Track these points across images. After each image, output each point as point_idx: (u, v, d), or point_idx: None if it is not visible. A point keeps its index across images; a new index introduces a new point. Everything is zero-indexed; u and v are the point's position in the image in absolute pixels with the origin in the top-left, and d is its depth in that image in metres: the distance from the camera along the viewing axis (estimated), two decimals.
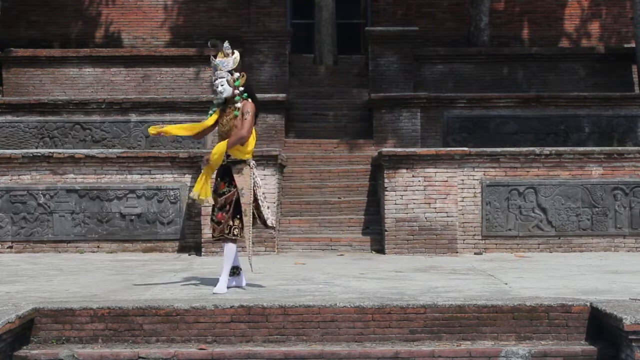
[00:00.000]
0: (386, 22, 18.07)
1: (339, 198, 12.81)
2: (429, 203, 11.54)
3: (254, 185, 7.80)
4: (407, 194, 11.58)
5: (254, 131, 7.86)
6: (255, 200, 7.80)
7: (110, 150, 12.45)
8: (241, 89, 7.87)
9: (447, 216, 11.52)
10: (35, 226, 11.79)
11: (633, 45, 16.62)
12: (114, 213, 11.84)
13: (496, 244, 11.84)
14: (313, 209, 12.60)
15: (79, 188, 11.84)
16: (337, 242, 11.87)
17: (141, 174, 11.91)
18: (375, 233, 12.01)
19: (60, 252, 11.72)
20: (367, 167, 13.42)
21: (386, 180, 11.66)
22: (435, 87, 16.69)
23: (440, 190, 11.55)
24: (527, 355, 6.48)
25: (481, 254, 11.64)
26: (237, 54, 7.98)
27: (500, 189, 11.86)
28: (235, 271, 8.05)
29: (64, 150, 12.19)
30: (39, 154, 11.89)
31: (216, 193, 7.84)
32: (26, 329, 6.60)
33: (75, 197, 11.82)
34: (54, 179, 11.85)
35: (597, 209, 11.90)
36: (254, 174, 7.80)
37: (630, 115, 15.10)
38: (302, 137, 14.85)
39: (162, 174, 11.92)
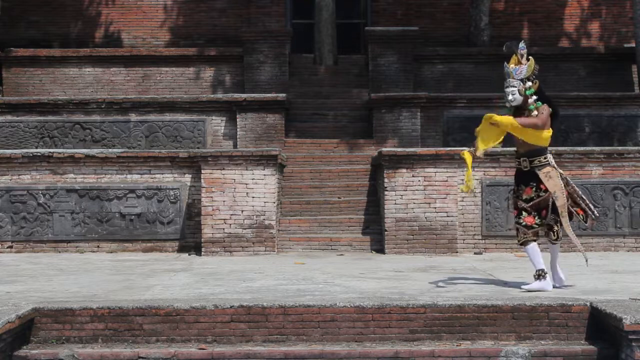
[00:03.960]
0: (386, 22, 18.06)
1: (339, 198, 12.81)
2: (429, 203, 11.54)
3: (566, 185, 7.75)
4: (407, 193, 11.58)
5: (549, 132, 7.80)
6: (571, 197, 7.77)
7: (110, 150, 12.45)
8: (534, 97, 7.80)
9: (447, 216, 11.52)
10: (35, 226, 11.79)
11: (633, 45, 16.61)
12: (113, 213, 11.84)
13: (496, 244, 11.84)
14: (313, 208, 12.60)
15: (79, 188, 11.84)
16: (337, 242, 11.87)
17: (141, 174, 11.91)
18: (375, 233, 12.01)
19: (60, 252, 11.71)
20: (367, 167, 13.42)
21: (386, 180, 11.66)
22: (435, 87, 16.68)
23: (440, 190, 11.55)
24: (527, 355, 6.48)
25: (481, 253, 11.64)
26: (531, 60, 7.91)
27: (500, 188, 11.85)
28: (541, 273, 7.83)
29: (64, 150, 12.19)
30: (39, 154, 11.89)
31: (520, 199, 7.78)
32: (26, 329, 6.60)
33: (75, 197, 11.82)
34: (54, 179, 11.85)
35: (597, 209, 11.86)
36: (561, 174, 7.74)
37: (630, 115, 15.10)
38: (302, 137, 14.85)
39: (162, 174, 11.92)
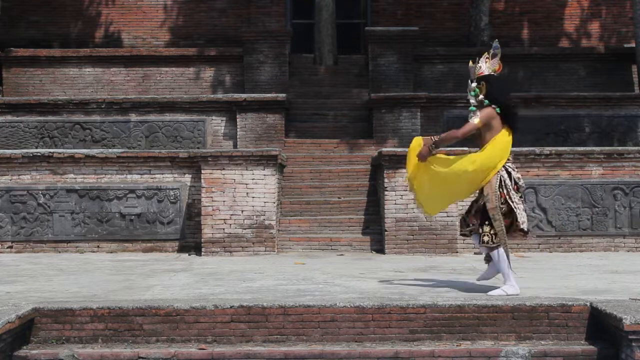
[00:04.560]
0: (386, 22, 18.07)
1: (339, 198, 12.81)
2: None
3: (503, 188, 7.44)
4: (407, 193, 11.55)
5: (501, 138, 7.51)
6: (506, 203, 7.45)
7: (110, 150, 12.44)
8: (480, 97, 7.67)
9: (447, 216, 11.51)
10: (35, 226, 11.79)
11: (633, 45, 16.62)
12: (114, 213, 11.84)
13: None
14: (313, 209, 12.60)
15: (79, 188, 11.84)
16: (337, 242, 11.87)
17: (141, 174, 11.91)
18: (375, 233, 12.01)
19: (60, 252, 11.72)
20: (367, 167, 13.42)
21: (386, 180, 11.66)
22: (435, 87, 16.69)
23: None
24: (527, 355, 6.48)
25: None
26: (484, 61, 7.78)
27: None
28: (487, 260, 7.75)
29: (64, 150, 12.19)
30: (39, 154, 11.89)
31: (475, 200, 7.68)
32: (26, 329, 6.60)
33: (75, 197, 11.82)
34: (54, 179, 11.85)
35: (597, 209, 11.90)
36: (502, 177, 7.43)
37: (630, 115, 15.10)
38: (302, 137, 14.86)
39: (162, 174, 11.92)
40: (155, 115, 14.64)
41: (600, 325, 6.63)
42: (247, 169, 11.59)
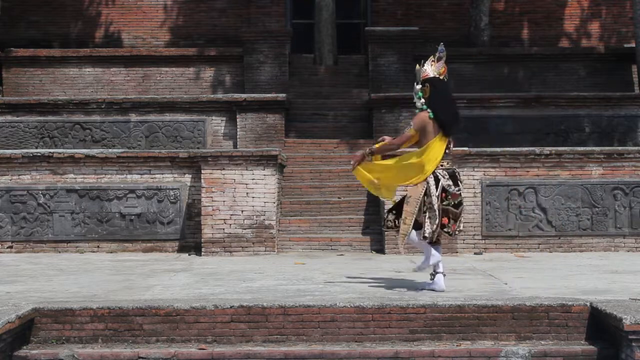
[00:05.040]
0: (386, 22, 18.07)
1: (339, 198, 12.81)
2: None
3: (425, 195, 7.61)
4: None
5: (434, 144, 7.64)
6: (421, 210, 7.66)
7: (110, 150, 12.45)
8: (422, 101, 7.80)
9: None
10: (35, 226, 11.79)
11: (633, 45, 16.61)
12: (113, 213, 11.84)
13: (496, 244, 11.84)
14: (313, 209, 12.60)
15: (79, 188, 11.84)
16: (337, 242, 11.87)
17: (141, 174, 11.91)
18: (375, 233, 12.01)
19: (60, 252, 11.71)
20: None
21: None
22: None
23: None
24: (527, 355, 6.48)
25: (481, 253, 11.64)
26: (429, 63, 7.89)
27: (500, 189, 11.86)
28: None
29: (64, 150, 12.19)
30: (39, 154, 11.89)
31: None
32: (26, 329, 6.60)
33: (75, 197, 11.82)
34: (54, 179, 11.85)
35: (597, 209, 11.90)
36: (428, 184, 7.59)
37: (630, 115, 15.10)
38: (302, 137, 14.85)
39: (162, 174, 11.91)
40: (155, 115, 14.65)
41: (600, 325, 6.63)
42: (247, 169, 11.59)
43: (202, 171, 11.60)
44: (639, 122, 15.08)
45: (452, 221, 7.80)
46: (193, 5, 18.54)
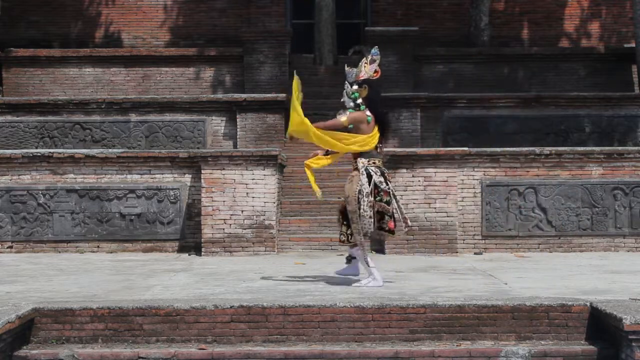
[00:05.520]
0: (386, 22, 18.08)
1: (339, 198, 12.78)
2: (429, 203, 11.54)
3: (359, 193, 7.86)
4: (407, 193, 11.58)
5: (364, 138, 7.95)
6: (380, 211, 7.95)
7: (110, 150, 12.45)
8: (359, 101, 8.02)
9: (447, 216, 11.52)
10: (35, 226, 11.79)
11: (633, 45, 16.62)
12: (114, 213, 11.84)
13: (496, 244, 11.84)
14: (313, 209, 12.60)
15: (79, 188, 11.84)
16: (337, 242, 11.81)
17: (141, 174, 11.90)
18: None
19: (60, 252, 11.71)
20: None
21: None
22: (435, 87, 16.69)
23: (440, 190, 11.54)
24: (527, 355, 6.48)
25: (481, 253, 11.64)
26: (369, 66, 8.06)
27: (500, 188, 11.85)
28: (349, 260, 8.34)
29: (64, 150, 12.19)
30: (39, 154, 11.88)
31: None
32: (26, 329, 6.60)
33: (75, 197, 11.82)
34: (54, 179, 11.85)
35: (597, 209, 11.89)
36: (361, 182, 7.86)
37: (630, 115, 15.11)
38: None
39: (162, 174, 11.91)
40: (155, 115, 14.65)
41: (600, 325, 6.63)
42: (247, 169, 11.59)
43: (202, 171, 11.60)
44: (639, 122, 15.09)
45: (387, 217, 8.06)
46: (193, 5, 18.55)
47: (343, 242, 8.15)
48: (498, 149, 12.10)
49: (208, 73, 17.21)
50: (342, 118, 8.03)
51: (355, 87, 8.07)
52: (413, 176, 11.60)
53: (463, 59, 17.18)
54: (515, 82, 17.14)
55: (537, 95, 15.36)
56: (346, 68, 8.27)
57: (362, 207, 7.83)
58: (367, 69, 8.10)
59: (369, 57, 8.16)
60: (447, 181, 11.55)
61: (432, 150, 11.97)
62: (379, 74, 8.20)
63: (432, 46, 17.67)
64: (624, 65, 17.19)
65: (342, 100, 8.29)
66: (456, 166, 11.61)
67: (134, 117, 14.63)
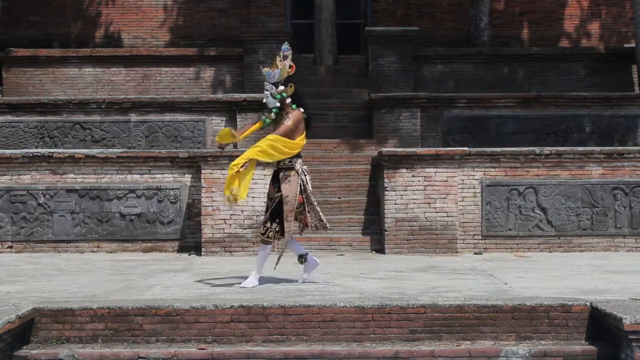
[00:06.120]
0: (386, 22, 18.07)
1: (339, 198, 12.81)
2: (429, 203, 11.54)
3: (302, 192, 8.06)
4: (407, 193, 11.58)
5: (300, 142, 8.13)
6: (302, 204, 8.11)
7: (110, 150, 12.44)
8: (288, 100, 8.13)
9: (447, 216, 11.52)
10: (35, 226, 11.79)
11: (633, 45, 16.62)
12: (113, 213, 11.84)
13: (496, 244, 11.84)
14: None
15: (79, 188, 11.84)
16: (337, 242, 11.87)
17: (141, 174, 11.91)
18: (375, 233, 12.01)
19: (60, 252, 11.72)
20: (367, 167, 13.41)
21: (386, 180, 11.66)
22: (435, 87, 16.68)
23: (440, 190, 11.55)
24: (527, 355, 6.48)
25: (481, 253, 11.64)
26: (284, 64, 8.10)
27: (500, 188, 11.86)
28: (301, 260, 8.36)
29: (64, 150, 12.19)
30: (39, 154, 11.89)
31: (268, 196, 8.22)
32: (26, 329, 6.60)
33: (75, 197, 11.82)
34: (54, 179, 11.85)
35: (597, 209, 11.89)
36: (301, 180, 8.03)
37: (630, 115, 15.10)
38: None
39: (162, 174, 11.91)
40: (155, 115, 14.63)
41: (600, 325, 6.63)
42: None
43: (202, 171, 11.60)
44: (639, 122, 15.08)
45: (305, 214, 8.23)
46: (193, 5, 18.54)
47: (270, 238, 8.13)
48: (498, 149, 12.10)
49: (208, 73, 17.21)
50: (288, 122, 8.07)
51: (281, 87, 8.10)
52: (413, 176, 11.60)
53: (463, 59, 17.17)
54: (515, 82, 17.13)
55: (537, 95, 15.36)
56: (262, 69, 8.29)
57: (310, 203, 8.08)
58: (284, 66, 8.13)
59: (281, 54, 8.19)
60: (447, 181, 11.55)
61: (432, 150, 11.96)
62: (294, 69, 8.24)
63: (432, 46, 17.67)
64: (623, 65, 17.18)
65: (264, 101, 8.29)
66: (456, 166, 11.61)
67: (134, 117, 14.62)
